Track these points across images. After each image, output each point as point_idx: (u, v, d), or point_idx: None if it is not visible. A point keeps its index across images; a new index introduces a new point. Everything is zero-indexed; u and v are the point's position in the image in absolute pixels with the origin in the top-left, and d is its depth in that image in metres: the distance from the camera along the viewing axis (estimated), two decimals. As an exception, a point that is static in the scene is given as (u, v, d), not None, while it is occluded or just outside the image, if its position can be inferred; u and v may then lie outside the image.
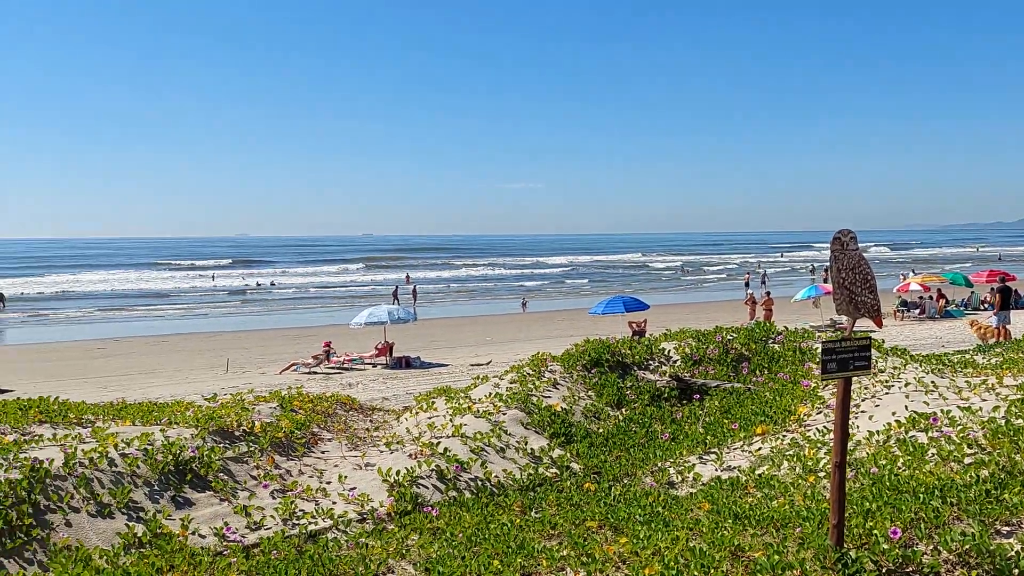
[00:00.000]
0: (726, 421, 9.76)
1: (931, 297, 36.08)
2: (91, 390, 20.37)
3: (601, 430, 10.28)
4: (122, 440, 8.09)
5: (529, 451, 9.14)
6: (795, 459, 7.62)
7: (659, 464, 8.48)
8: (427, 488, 7.99)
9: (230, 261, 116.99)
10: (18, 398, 10.31)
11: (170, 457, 7.90)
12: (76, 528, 6.90)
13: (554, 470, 8.67)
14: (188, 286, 75.23)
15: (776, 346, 12.39)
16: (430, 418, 10.17)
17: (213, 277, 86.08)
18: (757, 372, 11.74)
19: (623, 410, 11.11)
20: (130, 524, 6.97)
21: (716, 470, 8.10)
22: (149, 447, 8.00)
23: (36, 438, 8.31)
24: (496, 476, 8.40)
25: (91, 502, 7.19)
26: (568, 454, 9.15)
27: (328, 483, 8.17)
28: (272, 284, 77.13)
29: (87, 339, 36.37)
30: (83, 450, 7.76)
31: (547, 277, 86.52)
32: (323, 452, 9.26)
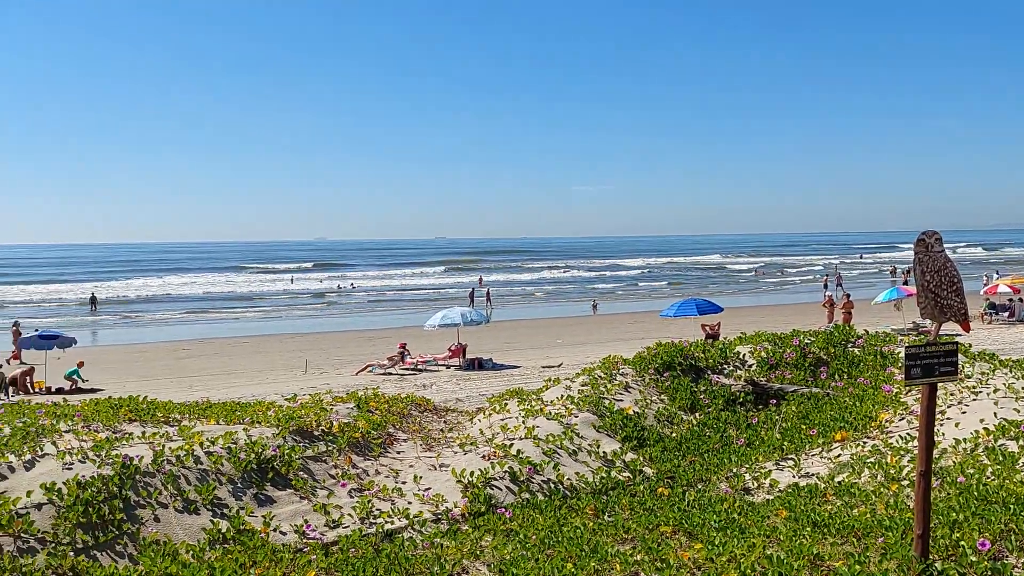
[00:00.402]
0: (804, 427, 9.56)
1: (1020, 300, 34.57)
2: (177, 389, 21.14)
3: (674, 434, 10.19)
4: (207, 439, 8.39)
5: (601, 454, 9.12)
6: (877, 467, 7.42)
7: (734, 470, 8.36)
8: (500, 489, 8.05)
9: (311, 264, 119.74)
10: (109, 397, 10.78)
11: (252, 456, 8.15)
12: (164, 523, 7.19)
13: (627, 474, 8.63)
14: (269, 289, 77.28)
15: (856, 350, 12.07)
16: (503, 420, 10.23)
17: (292, 280, 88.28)
18: (836, 377, 11.46)
19: (697, 414, 10.98)
20: (215, 520, 7.22)
21: (793, 477, 7.94)
22: (233, 446, 8.27)
23: (127, 436, 8.67)
24: (568, 479, 8.41)
25: (178, 498, 7.47)
26: (641, 458, 9.09)
27: (404, 483, 8.31)
28: (352, 287, 78.62)
29: (174, 340, 37.73)
30: (171, 448, 8.07)
31: (622, 279, 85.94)
32: (399, 452, 9.42)
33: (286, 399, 11.19)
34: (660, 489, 7.74)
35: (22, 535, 6.71)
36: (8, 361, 28.26)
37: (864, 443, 8.43)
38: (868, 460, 7.72)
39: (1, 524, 6.69)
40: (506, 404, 11.24)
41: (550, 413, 10.04)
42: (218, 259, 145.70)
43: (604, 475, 8.51)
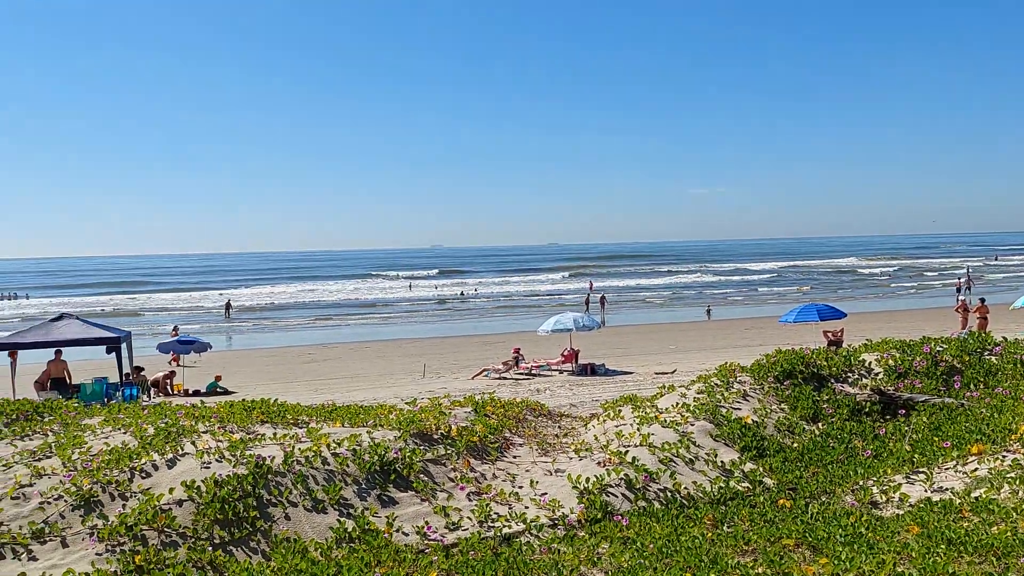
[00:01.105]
0: (936, 439, 9.12)
1: None
2: (303, 392, 22.05)
3: (795, 445, 9.91)
4: (333, 440, 8.74)
5: (719, 464, 8.97)
6: (1018, 482, 7.01)
7: (860, 482, 8.06)
8: (616, 497, 8.05)
9: (436, 271, 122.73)
10: (243, 399, 11.36)
11: (376, 458, 8.44)
12: (294, 521, 7.55)
13: (746, 484, 8.46)
14: (390, 296, 79.59)
15: (993, 358, 11.42)
16: (617, 426, 10.21)
17: (410, 287, 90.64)
18: (971, 387, 10.87)
19: (819, 424, 10.65)
20: (341, 520, 7.52)
21: (925, 491, 7.60)
22: (357, 448, 8.59)
23: (259, 437, 9.13)
24: (685, 488, 8.32)
25: (307, 498, 7.83)
26: (761, 468, 8.90)
27: (520, 488, 8.42)
28: (476, 292, 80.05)
29: (300, 345, 39.35)
30: (300, 449, 8.46)
31: (750, 283, 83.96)
32: (515, 457, 9.55)
33: (406, 403, 11.51)
34: (781, 501, 7.56)
35: (165, 529, 7.19)
36: (169, 363, 30.25)
37: (1004, 457, 7.97)
38: (1008, 475, 7.31)
39: (147, 519, 7.19)
40: (620, 411, 11.21)
41: (665, 421, 9.95)
42: (344, 267, 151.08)
43: (722, 485, 8.37)
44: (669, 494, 8.22)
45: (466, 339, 39.70)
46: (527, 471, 9.02)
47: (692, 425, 9.83)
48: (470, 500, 8.15)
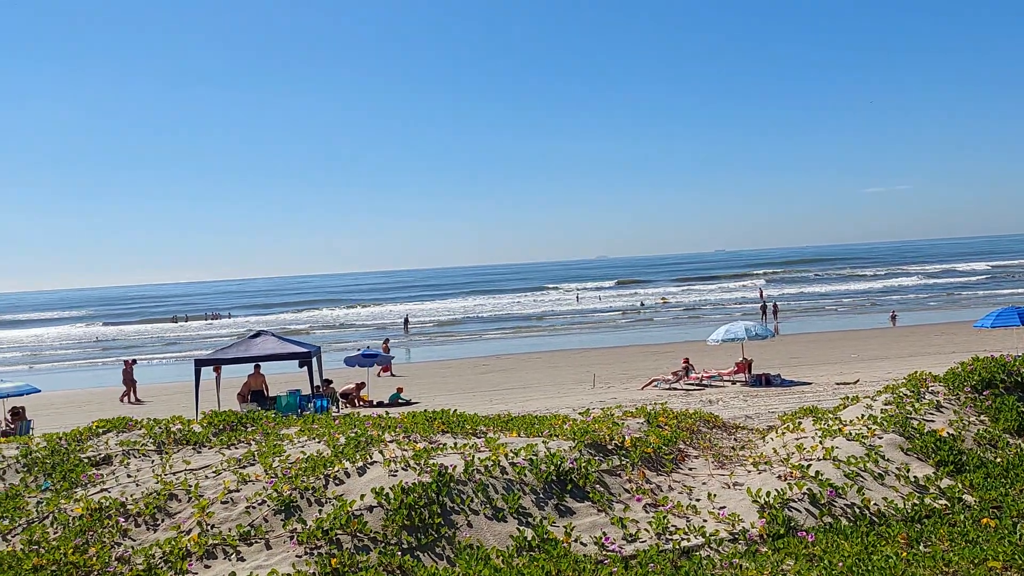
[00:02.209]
0: None
1: None
2: (479, 402, 22.69)
3: (999, 460, 9.15)
4: (511, 450, 8.97)
5: (912, 479, 8.45)
6: None
7: (1078, 502, 7.36)
8: (799, 512, 7.76)
9: (614, 282, 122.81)
10: (424, 410, 11.87)
11: (552, 468, 8.58)
12: (476, 529, 7.80)
13: (943, 501, 7.92)
14: (561, 307, 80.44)
15: None
16: (797, 439, 9.84)
17: (577, 299, 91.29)
18: None
19: (1027, 437, 9.78)
20: (520, 528, 7.71)
21: None
22: (534, 457, 8.77)
23: (441, 446, 9.51)
24: (875, 504, 7.89)
25: (487, 506, 8.07)
26: (959, 485, 8.30)
27: (697, 500, 8.29)
28: (657, 303, 78.95)
29: (475, 356, 40.53)
30: (479, 459, 8.75)
31: (938, 287, 78.29)
32: (690, 469, 9.42)
33: (579, 413, 11.62)
34: (984, 520, 7.03)
35: (357, 534, 7.64)
36: (379, 374, 32.38)
37: None
38: None
39: (341, 523, 7.67)
40: (800, 423, 10.79)
41: (850, 433, 9.48)
42: (518, 279, 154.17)
43: (916, 502, 7.88)
44: (857, 510, 7.83)
45: (633, 349, 39.44)
46: (703, 484, 8.86)
47: (880, 438, 9.32)
48: (646, 512, 8.11)
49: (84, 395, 34.00)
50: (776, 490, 7.98)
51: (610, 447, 9.48)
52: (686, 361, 26.94)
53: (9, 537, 8.59)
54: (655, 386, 25.64)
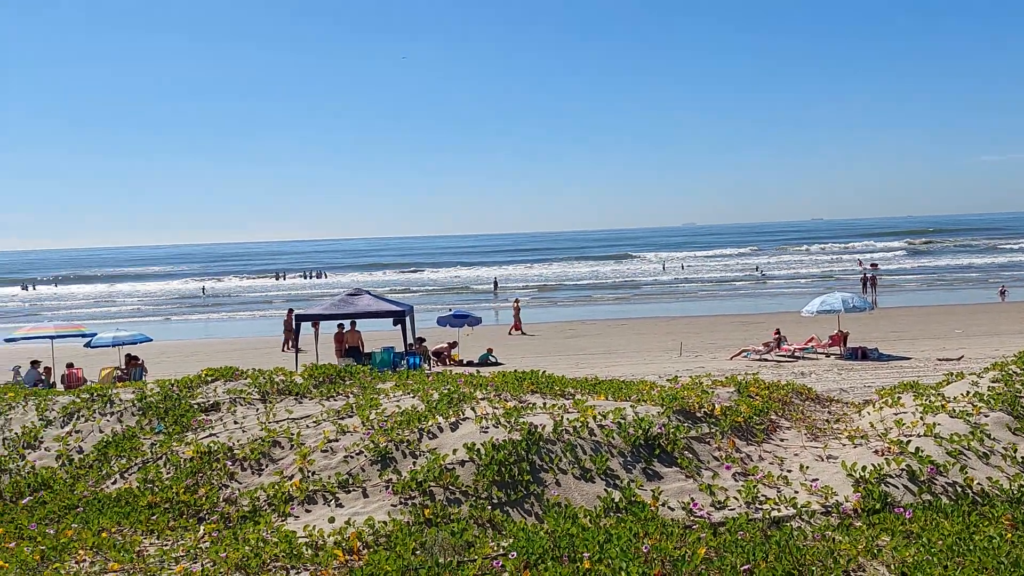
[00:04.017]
0: None
1: None
2: (565, 366, 22.78)
3: (1117, 444, 8.71)
4: (599, 412, 9.03)
5: (1020, 459, 8.13)
6: None
7: None
8: (896, 488, 7.59)
9: (706, 252, 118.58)
10: (514, 370, 12.02)
11: (640, 432, 8.61)
12: (564, 488, 7.92)
13: (1053, 484, 7.61)
14: (648, 275, 79.49)
15: None
16: (896, 414, 9.58)
17: (664, 267, 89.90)
18: None
19: None
20: (608, 490, 7.79)
21: None
22: (622, 421, 8.81)
23: (530, 406, 9.64)
24: (979, 483, 7.64)
25: (575, 466, 8.18)
26: (1071, 468, 7.95)
27: (789, 471, 8.20)
28: (760, 272, 76.45)
29: (561, 321, 40.65)
30: (568, 419, 8.84)
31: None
32: (782, 440, 9.29)
33: (668, 380, 11.56)
34: (1098, 505, 6.74)
35: (449, 487, 7.86)
36: (511, 332, 34.28)
37: None
38: None
39: (434, 476, 7.90)
40: (899, 398, 10.48)
41: (953, 411, 9.17)
42: (603, 246, 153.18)
43: None
44: (959, 489, 7.60)
45: (723, 319, 38.80)
46: (796, 455, 8.74)
47: (986, 416, 8.98)
48: (735, 480, 8.07)
49: (192, 345, 35.73)
50: (872, 465, 7.82)
51: (699, 414, 9.43)
52: (777, 332, 26.37)
53: (126, 475, 9.18)
54: (744, 356, 25.21)
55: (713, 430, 9.08)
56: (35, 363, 22.74)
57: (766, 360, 24.58)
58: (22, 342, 24.98)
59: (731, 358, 25.24)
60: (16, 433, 10.55)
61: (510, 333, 34.65)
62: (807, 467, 8.20)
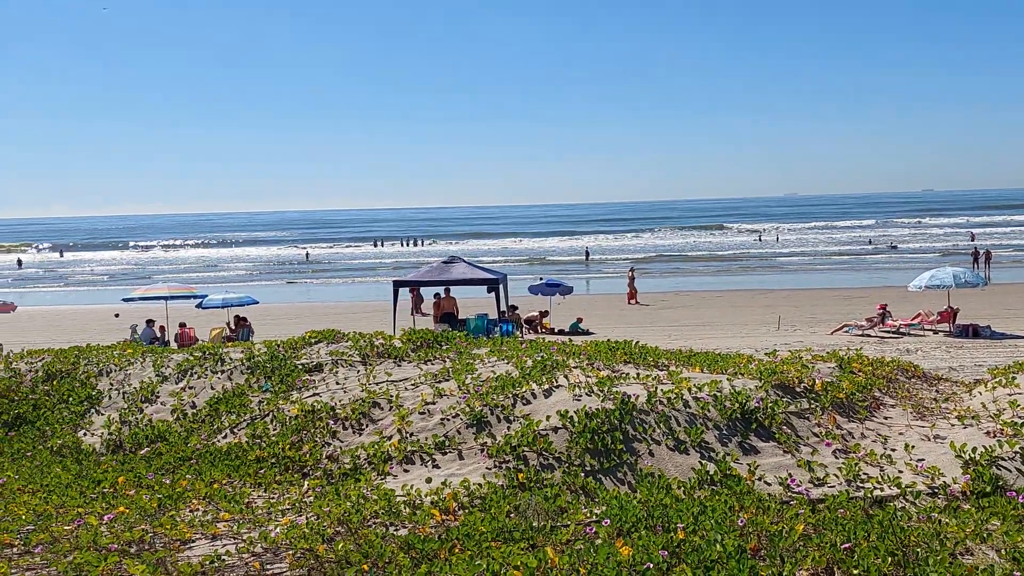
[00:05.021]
0: None
1: None
2: (657, 336, 22.55)
3: None
4: (694, 384, 8.94)
5: None
6: None
7: None
8: (1009, 471, 7.27)
9: (808, 224, 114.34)
10: (607, 339, 12.00)
11: (736, 405, 8.49)
12: (657, 458, 7.90)
13: None
14: (745, 248, 77.49)
15: None
16: (1011, 395, 9.15)
17: (759, 238, 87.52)
18: None
19: None
20: (702, 462, 7.72)
21: None
22: (718, 394, 8.71)
23: (623, 376, 9.63)
24: (1100, 471, 7.25)
25: (669, 437, 8.14)
26: None
27: (892, 450, 7.95)
28: (893, 247, 72.96)
29: (654, 292, 40.17)
30: (662, 390, 8.79)
31: None
32: (886, 418, 9.01)
33: (766, 354, 11.33)
34: None
35: (543, 452, 7.94)
36: (629, 302, 34.18)
37: None
38: None
39: (528, 441, 8.00)
40: (1014, 378, 9.99)
41: (1075, 393, 8.70)
42: (699, 216, 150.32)
43: None
44: (1077, 475, 7.23)
45: (823, 292, 37.60)
46: (900, 434, 8.47)
47: (1110, 400, 8.49)
48: (836, 457, 7.89)
49: (295, 308, 36.99)
50: (984, 446, 7.50)
51: (798, 389, 9.23)
52: (882, 307, 25.40)
53: (236, 430, 9.64)
54: (846, 331, 24.41)
55: (813, 406, 8.88)
56: (150, 322, 24.01)
57: (869, 336, 23.76)
58: (138, 302, 26.42)
59: (832, 333, 24.49)
60: (135, 387, 11.21)
61: (629, 303, 34.36)
62: (912, 446, 7.93)
